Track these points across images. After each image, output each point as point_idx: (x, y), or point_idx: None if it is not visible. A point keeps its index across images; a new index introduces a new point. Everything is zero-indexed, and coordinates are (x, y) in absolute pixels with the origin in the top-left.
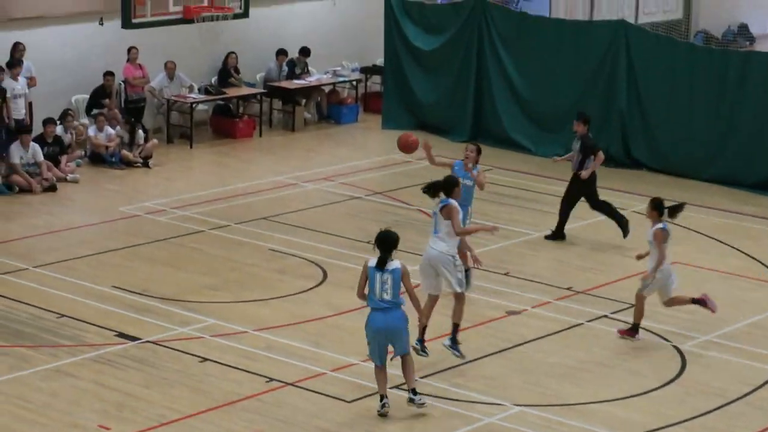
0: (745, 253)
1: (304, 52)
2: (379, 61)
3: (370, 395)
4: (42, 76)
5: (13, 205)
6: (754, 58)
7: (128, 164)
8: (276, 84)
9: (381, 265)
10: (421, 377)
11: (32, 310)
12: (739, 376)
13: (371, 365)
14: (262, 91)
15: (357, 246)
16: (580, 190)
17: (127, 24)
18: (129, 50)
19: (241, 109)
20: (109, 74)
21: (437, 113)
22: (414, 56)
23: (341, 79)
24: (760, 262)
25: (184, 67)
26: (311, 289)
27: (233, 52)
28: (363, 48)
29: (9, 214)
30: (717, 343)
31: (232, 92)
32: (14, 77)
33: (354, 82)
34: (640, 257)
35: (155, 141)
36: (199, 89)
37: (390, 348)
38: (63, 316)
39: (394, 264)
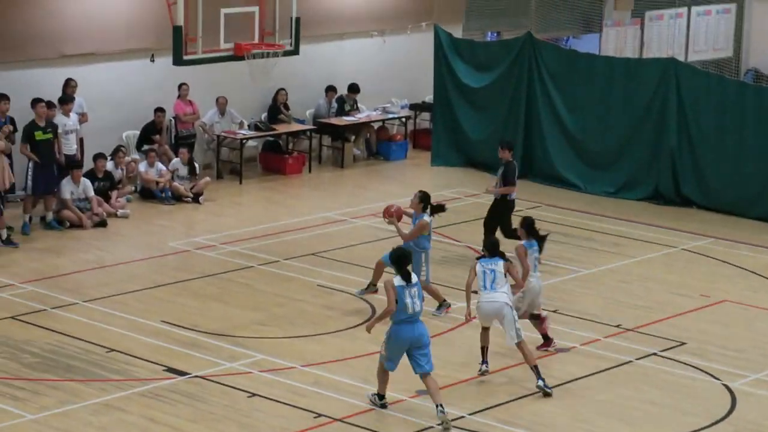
0: None
1: (354, 88)
2: (429, 98)
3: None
4: (93, 112)
5: (63, 240)
6: None
7: (178, 199)
8: (325, 120)
9: (407, 280)
10: (470, 414)
11: (82, 344)
12: None
13: (420, 401)
14: (312, 127)
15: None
16: (493, 216)
17: (178, 61)
18: (180, 86)
19: (291, 146)
20: (159, 110)
21: (486, 150)
22: (463, 93)
23: (390, 115)
24: None
25: (235, 104)
26: (359, 325)
27: (283, 89)
28: (412, 85)
29: (60, 248)
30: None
31: (281, 128)
32: (66, 113)
33: (403, 119)
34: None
35: (208, 179)
36: (249, 125)
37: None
38: (112, 350)
39: (414, 278)
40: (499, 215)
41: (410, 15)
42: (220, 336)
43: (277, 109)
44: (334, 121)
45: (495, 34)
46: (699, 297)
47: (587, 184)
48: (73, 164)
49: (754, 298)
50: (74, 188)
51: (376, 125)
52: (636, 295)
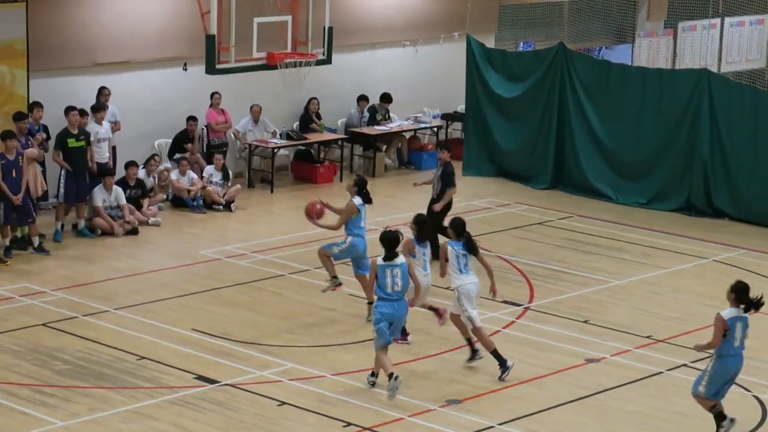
0: None
1: (386, 98)
2: (460, 107)
3: None
4: (126, 121)
5: (95, 248)
6: None
7: (209, 207)
8: (357, 130)
9: (390, 260)
10: (499, 424)
11: (113, 351)
12: None
13: (448, 411)
14: (344, 136)
15: (436, 292)
16: (430, 213)
17: (210, 70)
18: (212, 95)
19: (322, 155)
20: (192, 119)
21: (518, 160)
22: (495, 103)
23: (422, 125)
24: None
25: (267, 112)
26: None
27: (315, 98)
28: (444, 94)
29: (91, 256)
30: None
31: (313, 138)
32: (98, 121)
33: (435, 129)
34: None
35: (239, 186)
36: (280, 134)
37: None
38: (143, 358)
39: (401, 259)
40: (436, 213)
41: (443, 25)
42: (251, 344)
43: (309, 118)
44: (366, 130)
45: (531, 44)
46: None
47: (619, 195)
48: (105, 172)
49: None
50: (106, 196)
51: (407, 135)
52: (667, 306)
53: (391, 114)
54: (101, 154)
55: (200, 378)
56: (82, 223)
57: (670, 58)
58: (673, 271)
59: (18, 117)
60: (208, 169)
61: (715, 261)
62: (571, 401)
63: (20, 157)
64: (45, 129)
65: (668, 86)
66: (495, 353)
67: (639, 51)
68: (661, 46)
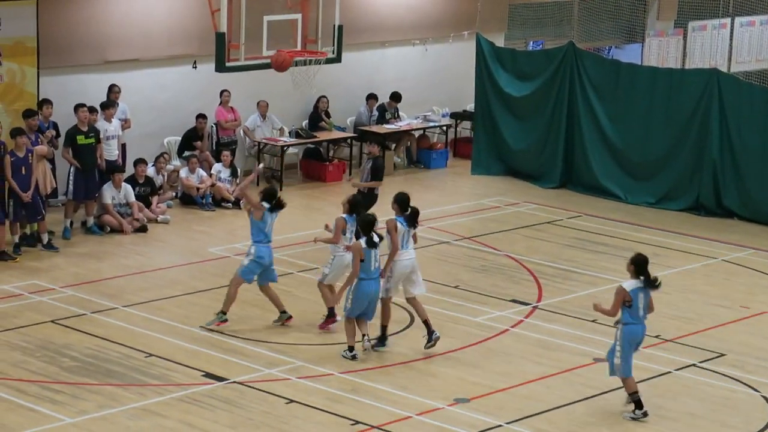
0: None
1: (395, 97)
2: (470, 106)
3: None
4: (136, 118)
5: (104, 245)
6: None
7: (218, 205)
8: (366, 128)
9: (373, 244)
10: (507, 423)
11: (121, 349)
12: None
13: (456, 409)
14: (353, 135)
15: (444, 290)
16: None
17: (220, 67)
18: (221, 93)
19: (331, 153)
20: (201, 117)
21: (527, 160)
22: (505, 102)
23: (431, 124)
24: None
25: (276, 110)
26: (398, 332)
27: (324, 96)
28: (453, 93)
29: (100, 254)
30: None
31: (322, 136)
32: (107, 118)
33: (444, 128)
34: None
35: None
36: (289, 132)
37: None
38: (151, 355)
39: (376, 238)
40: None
41: (452, 24)
42: (259, 342)
43: (318, 116)
44: (375, 128)
45: (540, 43)
46: (739, 308)
47: (628, 195)
48: (115, 169)
49: None
50: (115, 193)
51: (416, 133)
52: (676, 306)
53: (400, 113)
54: (110, 152)
55: (208, 375)
56: (91, 221)
57: (680, 57)
58: (682, 270)
59: (28, 114)
60: (217, 167)
61: (724, 261)
62: (579, 400)
63: (30, 154)
64: (55, 126)
65: (678, 86)
66: (426, 323)
67: (649, 50)
68: (671, 46)
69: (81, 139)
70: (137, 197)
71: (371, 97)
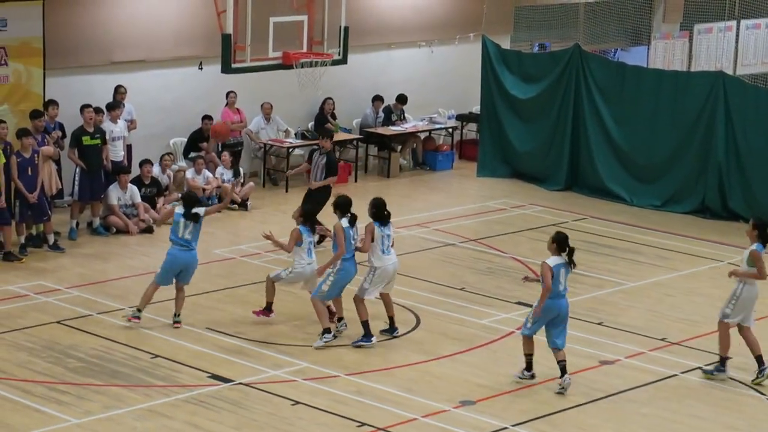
0: None
1: (401, 99)
2: (475, 108)
3: None
4: (141, 119)
5: (110, 246)
6: None
7: None
8: (372, 130)
9: (353, 223)
10: (513, 425)
11: (127, 350)
12: None
13: (462, 411)
14: (359, 137)
15: (450, 292)
16: (309, 203)
17: (226, 69)
18: (227, 95)
19: (337, 155)
20: (207, 118)
21: (533, 162)
22: (510, 104)
23: (437, 126)
24: None
25: (282, 112)
26: (404, 334)
27: (330, 98)
28: (459, 95)
29: (106, 254)
30: None
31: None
32: (113, 119)
33: (450, 130)
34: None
35: (252, 184)
36: (295, 134)
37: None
38: (157, 356)
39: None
40: (315, 202)
41: (458, 26)
42: (264, 344)
43: (324, 118)
44: (381, 130)
45: (547, 45)
46: None
47: (634, 197)
48: (120, 170)
49: None
50: (121, 194)
51: (422, 135)
52: (681, 309)
53: (406, 114)
54: (116, 153)
55: (214, 377)
56: (96, 221)
57: (685, 60)
58: (687, 273)
59: (34, 115)
60: (219, 169)
61: (729, 264)
62: (585, 403)
63: (36, 155)
64: (60, 127)
65: (684, 88)
66: (365, 324)
67: (654, 53)
68: (677, 49)
69: (87, 140)
70: (143, 198)
71: (377, 99)
